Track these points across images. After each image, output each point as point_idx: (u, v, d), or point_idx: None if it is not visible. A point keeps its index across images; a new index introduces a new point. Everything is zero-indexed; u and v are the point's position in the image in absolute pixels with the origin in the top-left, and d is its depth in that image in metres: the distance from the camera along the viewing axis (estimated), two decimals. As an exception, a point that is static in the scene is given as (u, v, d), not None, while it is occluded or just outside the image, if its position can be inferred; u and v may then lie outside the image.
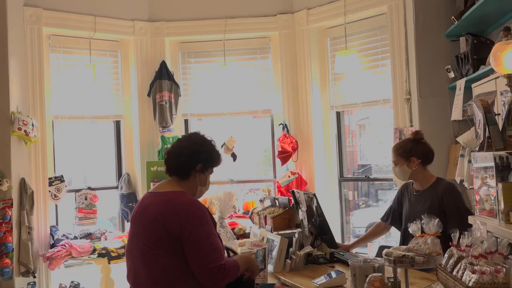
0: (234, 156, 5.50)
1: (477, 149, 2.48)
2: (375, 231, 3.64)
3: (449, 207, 3.06)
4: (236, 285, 2.43)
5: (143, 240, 2.37)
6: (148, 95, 5.47)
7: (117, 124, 5.66)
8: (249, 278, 2.52)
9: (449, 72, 4.29)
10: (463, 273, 1.97)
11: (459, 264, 2.05)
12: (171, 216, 2.32)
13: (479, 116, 2.47)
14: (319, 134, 5.48)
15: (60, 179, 5.06)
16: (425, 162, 3.23)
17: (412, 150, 3.21)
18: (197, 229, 2.31)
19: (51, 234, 4.97)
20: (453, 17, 4.08)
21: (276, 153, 5.45)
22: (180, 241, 2.30)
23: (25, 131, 4.44)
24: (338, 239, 4.88)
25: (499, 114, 2.46)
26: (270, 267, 3.18)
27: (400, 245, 3.24)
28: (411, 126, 4.54)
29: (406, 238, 3.17)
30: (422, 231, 2.46)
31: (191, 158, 2.50)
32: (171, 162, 2.53)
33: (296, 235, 3.32)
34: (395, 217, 3.45)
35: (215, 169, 2.63)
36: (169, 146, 2.69)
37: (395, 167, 3.27)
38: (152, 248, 2.32)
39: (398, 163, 3.24)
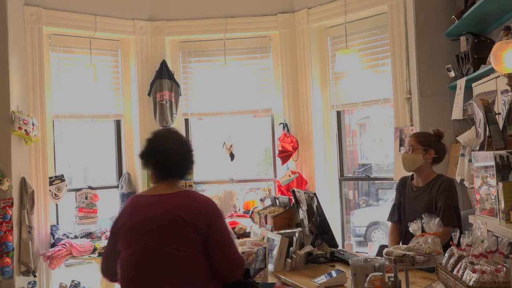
0: (232, 156, 5.50)
1: (477, 148, 2.48)
2: (399, 237, 3.38)
3: (439, 201, 3.08)
4: (238, 285, 2.43)
5: (169, 244, 2.23)
6: (149, 94, 5.47)
7: (118, 123, 5.65)
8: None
9: (450, 71, 4.30)
10: (463, 272, 1.98)
11: (460, 264, 2.05)
12: (199, 213, 2.28)
13: (479, 115, 2.47)
14: (319, 134, 5.47)
15: (61, 178, 5.06)
16: (438, 159, 3.24)
17: (434, 143, 3.22)
18: (222, 223, 2.35)
19: (51, 233, 4.97)
20: (453, 16, 4.09)
21: (277, 152, 5.45)
22: (205, 238, 2.26)
23: (25, 130, 4.44)
24: (338, 239, 4.87)
25: (499, 114, 2.47)
26: (270, 267, 3.18)
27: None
28: (412, 125, 4.54)
29: (405, 235, 3.17)
30: (423, 230, 2.46)
31: (190, 161, 2.45)
32: (172, 165, 2.39)
33: (297, 234, 3.32)
34: (400, 212, 3.38)
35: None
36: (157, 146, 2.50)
37: (408, 152, 3.22)
38: (183, 250, 2.23)
39: (415, 150, 3.20)
